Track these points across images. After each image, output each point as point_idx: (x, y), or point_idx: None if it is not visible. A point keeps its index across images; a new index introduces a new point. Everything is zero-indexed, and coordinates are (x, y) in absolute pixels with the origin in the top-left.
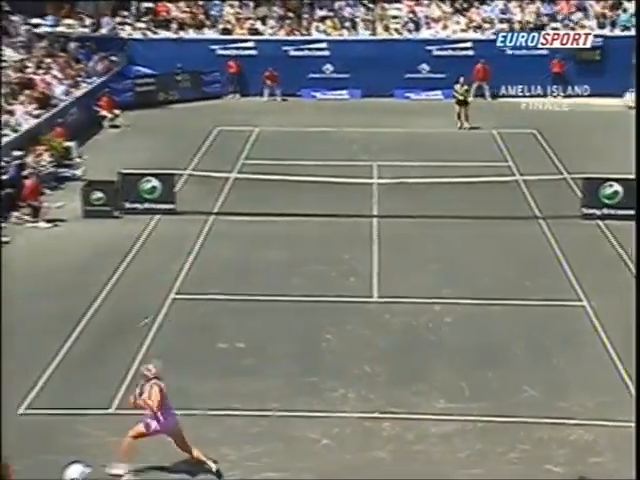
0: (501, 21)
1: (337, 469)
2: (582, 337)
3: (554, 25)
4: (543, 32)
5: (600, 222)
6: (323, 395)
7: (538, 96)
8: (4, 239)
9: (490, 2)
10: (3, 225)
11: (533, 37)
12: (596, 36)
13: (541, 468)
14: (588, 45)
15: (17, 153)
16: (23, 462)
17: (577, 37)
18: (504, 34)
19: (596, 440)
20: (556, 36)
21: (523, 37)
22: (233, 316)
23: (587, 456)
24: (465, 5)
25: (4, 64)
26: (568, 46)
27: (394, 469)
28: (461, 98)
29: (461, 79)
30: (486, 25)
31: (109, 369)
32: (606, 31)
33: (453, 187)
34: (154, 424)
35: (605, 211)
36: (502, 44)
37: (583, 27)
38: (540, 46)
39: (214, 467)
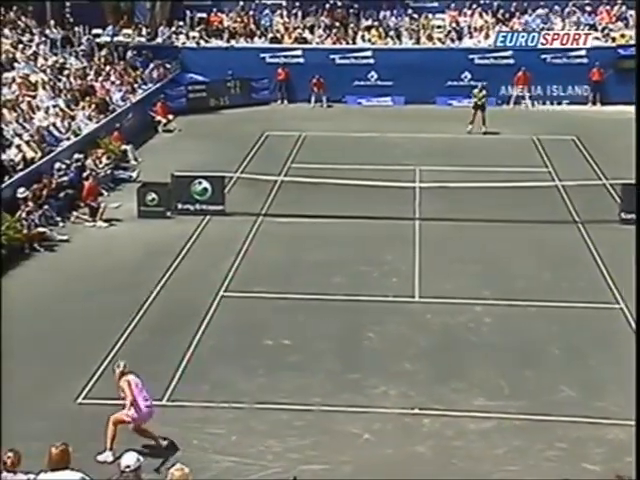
0: (542, 30)
1: (377, 463)
2: (618, 338)
3: (595, 35)
4: (543, 32)
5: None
6: (365, 391)
7: (577, 103)
8: (64, 237)
9: (532, 12)
10: (62, 224)
11: (533, 37)
12: (635, 45)
13: (578, 466)
14: (588, 46)
15: (77, 156)
16: (81, 449)
17: (577, 37)
18: (504, 34)
19: (632, 439)
20: (556, 36)
21: (523, 37)
22: (279, 314)
23: (623, 455)
24: (507, 15)
25: (67, 71)
26: (568, 46)
27: (433, 464)
28: (479, 103)
29: (479, 84)
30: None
31: (162, 363)
32: None
33: (493, 191)
34: (132, 413)
35: (638, 215)
36: (502, 44)
37: (623, 36)
38: (540, 46)
39: (164, 444)
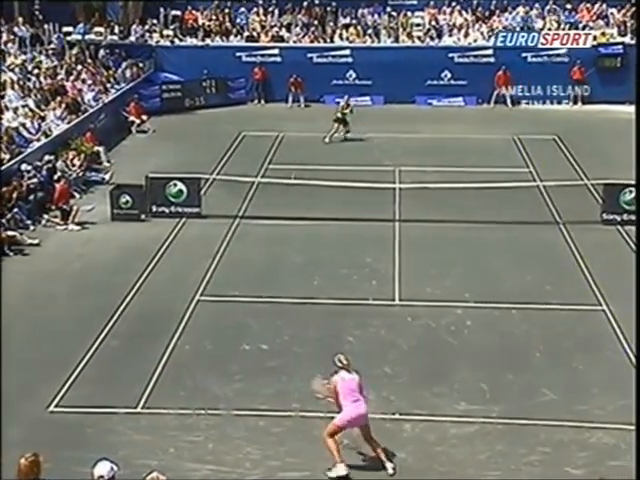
0: (522, 29)
1: (358, 469)
2: (602, 341)
3: (594, 34)
4: (543, 32)
5: (620, 227)
6: None
7: (559, 103)
8: (34, 241)
9: (512, 10)
10: (33, 228)
11: (533, 37)
12: (617, 44)
13: (561, 470)
14: (588, 45)
15: (48, 157)
16: (53, 459)
17: (577, 37)
18: (504, 34)
19: (616, 443)
20: (556, 36)
21: (523, 37)
22: (257, 318)
23: (607, 459)
24: (486, 13)
25: (37, 71)
26: (568, 46)
27: (414, 470)
28: (340, 116)
29: (345, 97)
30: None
31: (136, 369)
32: (627, 39)
33: (474, 192)
34: (339, 416)
35: (625, 217)
36: (502, 44)
37: (604, 35)
38: (540, 46)
39: (390, 468)
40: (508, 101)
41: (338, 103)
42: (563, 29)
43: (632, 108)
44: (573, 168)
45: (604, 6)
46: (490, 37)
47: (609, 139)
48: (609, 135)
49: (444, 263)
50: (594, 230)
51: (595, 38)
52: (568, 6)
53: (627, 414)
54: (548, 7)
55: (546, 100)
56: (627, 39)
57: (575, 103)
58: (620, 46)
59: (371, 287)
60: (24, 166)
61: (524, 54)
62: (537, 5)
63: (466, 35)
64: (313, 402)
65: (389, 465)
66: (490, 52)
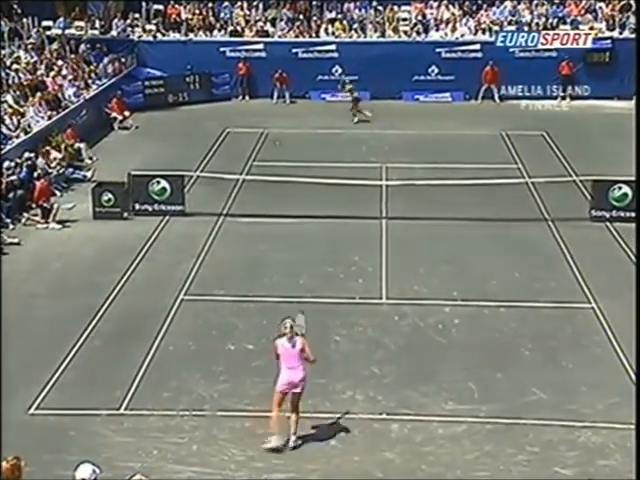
0: (510, 23)
1: (345, 470)
2: (591, 339)
3: (563, 27)
4: (543, 32)
5: (609, 224)
6: (331, 397)
7: (547, 98)
8: (14, 240)
9: (499, 4)
10: (12, 227)
11: (533, 37)
12: (605, 38)
13: (550, 470)
14: (589, 45)
15: (28, 154)
16: (34, 462)
17: (577, 37)
18: (504, 34)
19: (605, 442)
20: (556, 36)
21: (523, 37)
22: (242, 317)
23: (596, 458)
24: (474, 7)
25: (16, 66)
26: (568, 46)
27: (402, 470)
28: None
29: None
30: (495, 27)
31: (120, 369)
32: (615, 33)
33: (462, 189)
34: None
35: (614, 213)
36: (502, 44)
37: (592, 29)
38: (540, 46)
39: (292, 442)
40: (496, 97)
41: (324, 99)
42: (551, 24)
43: (621, 103)
44: (561, 164)
45: (592, 0)
46: (477, 32)
47: (598, 135)
48: (598, 131)
49: (431, 261)
50: (583, 227)
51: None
52: (556, 0)
53: (616, 413)
54: (536, 1)
55: (534, 95)
56: (615, 33)
57: (563, 99)
58: (609, 41)
59: (358, 285)
60: (6, 163)
61: (512, 49)
62: None
63: (453, 30)
64: (300, 403)
65: (292, 439)
66: (478, 47)
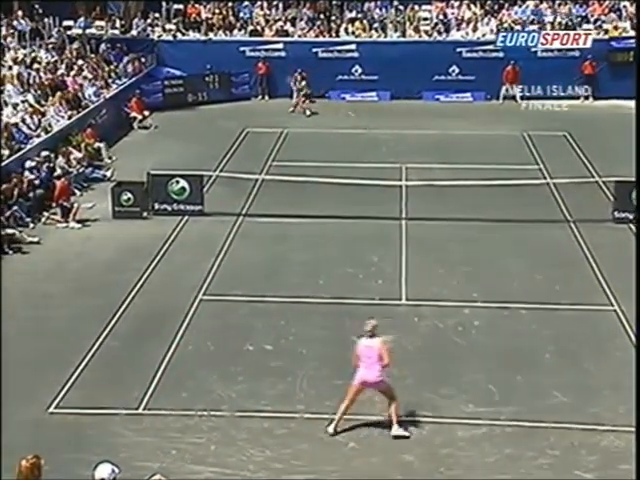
0: (532, 22)
1: (364, 472)
2: (613, 342)
3: (586, 27)
4: (543, 32)
5: (632, 226)
6: None
7: (569, 98)
8: (34, 239)
9: (521, 3)
10: (32, 225)
11: (533, 37)
12: (629, 37)
13: (571, 474)
14: (588, 45)
15: (46, 154)
16: (53, 461)
17: (577, 37)
18: (504, 34)
19: (627, 446)
20: (556, 36)
21: (523, 37)
22: (260, 318)
23: (618, 462)
24: (496, 7)
25: (37, 65)
26: (568, 46)
27: (421, 473)
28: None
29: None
30: (517, 27)
31: (138, 370)
32: None
33: (482, 190)
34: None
35: (638, 215)
36: (502, 44)
37: (616, 28)
38: (541, 46)
39: (394, 430)
40: (517, 97)
41: (344, 99)
42: (574, 23)
43: None
44: (584, 165)
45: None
46: (499, 31)
47: (620, 135)
48: (620, 131)
49: (451, 262)
50: (605, 228)
51: (602, 32)
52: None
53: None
54: (559, 0)
55: (556, 95)
56: None
57: (586, 98)
58: (633, 40)
59: (377, 286)
60: (28, 163)
61: (534, 49)
62: None
63: (475, 29)
64: (317, 404)
65: (395, 427)
66: (499, 47)
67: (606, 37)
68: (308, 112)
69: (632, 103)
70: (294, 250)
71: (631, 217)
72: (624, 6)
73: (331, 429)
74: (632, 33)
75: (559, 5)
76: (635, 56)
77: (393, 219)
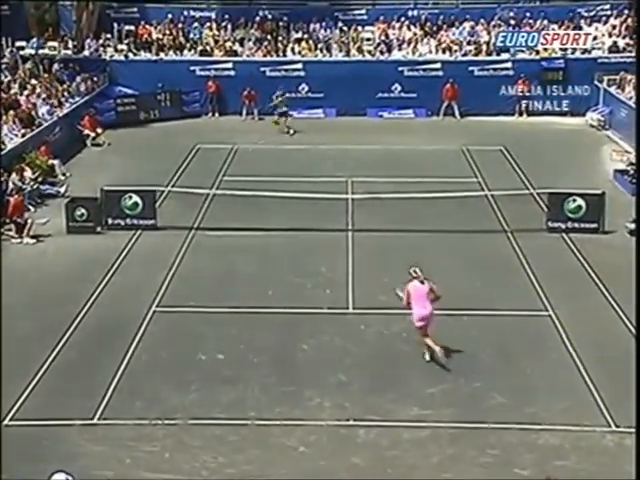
0: (469, 43)
1: (313, 475)
2: (548, 345)
3: (520, 48)
4: (543, 32)
5: (565, 235)
6: (300, 404)
7: (505, 114)
8: None
9: (458, 25)
10: None
11: (533, 37)
12: (558, 58)
13: (509, 471)
14: (588, 46)
15: (1, 171)
16: (9, 472)
17: (577, 37)
18: (504, 34)
19: (562, 444)
20: (556, 36)
21: (523, 37)
22: (212, 327)
23: (553, 459)
24: (434, 28)
25: None
26: (568, 46)
27: (368, 474)
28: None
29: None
30: (454, 47)
31: (93, 379)
32: (568, 53)
33: (424, 202)
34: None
35: (569, 224)
36: (502, 44)
37: (546, 50)
38: (540, 47)
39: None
40: (456, 113)
41: (291, 115)
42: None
43: (574, 120)
44: (519, 177)
45: (545, 22)
46: (438, 51)
47: (553, 149)
48: (553, 145)
49: (396, 271)
50: (540, 237)
51: (595, 38)
52: (512, 22)
53: (572, 415)
54: (493, 22)
55: (492, 112)
56: (568, 53)
57: (520, 115)
58: (562, 60)
59: (325, 296)
60: None
61: (471, 68)
62: (482, 20)
63: (415, 49)
64: (268, 410)
65: (437, 349)
66: (439, 66)
67: (537, 57)
68: (292, 131)
69: (562, 119)
70: (244, 262)
71: (563, 227)
72: (552, 29)
73: (427, 357)
74: (560, 54)
75: (493, 27)
76: (564, 75)
77: (340, 231)
